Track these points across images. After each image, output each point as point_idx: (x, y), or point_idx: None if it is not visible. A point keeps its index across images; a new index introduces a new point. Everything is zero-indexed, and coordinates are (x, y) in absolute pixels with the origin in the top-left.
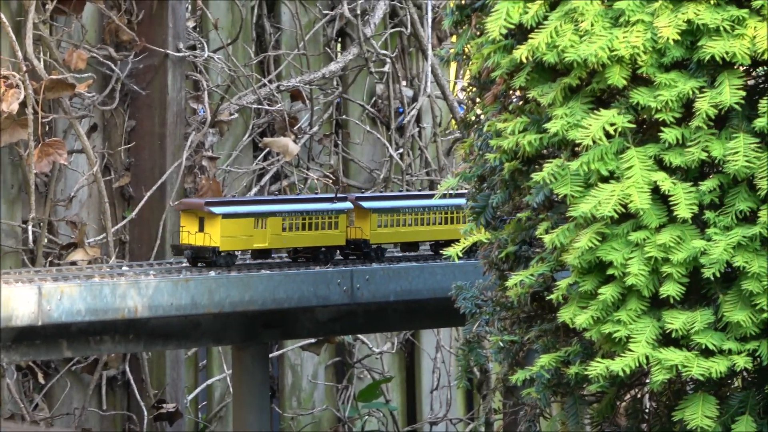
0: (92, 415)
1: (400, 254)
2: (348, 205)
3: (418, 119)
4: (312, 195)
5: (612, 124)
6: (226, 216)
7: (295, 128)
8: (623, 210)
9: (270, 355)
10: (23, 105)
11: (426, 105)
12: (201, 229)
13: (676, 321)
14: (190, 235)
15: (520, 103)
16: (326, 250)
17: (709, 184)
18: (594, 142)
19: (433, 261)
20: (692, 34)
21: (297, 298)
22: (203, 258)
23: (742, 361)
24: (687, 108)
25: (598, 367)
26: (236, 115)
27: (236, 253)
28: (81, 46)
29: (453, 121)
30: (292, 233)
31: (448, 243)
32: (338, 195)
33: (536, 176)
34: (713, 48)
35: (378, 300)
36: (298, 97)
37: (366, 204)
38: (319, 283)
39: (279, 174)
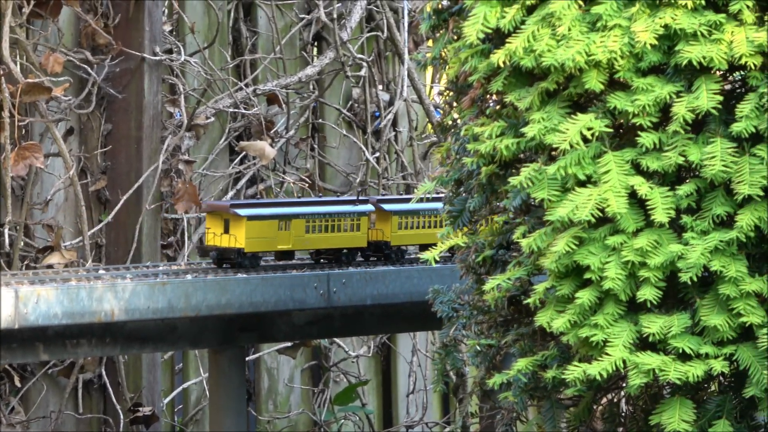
0: (68, 419)
1: (415, 256)
2: (369, 207)
3: (395, 123)
4: (334, 198)
5: (589, 129)
6: (251, 218)
7: (272, 132)
8: (600, 214)
9: (246, 359)
10: None
11: (402, 109)
12: (226, 230)
13: (653, 325)
14: (215, 236)
15: (498, 107)
16: (348, 251)
17: (686, 188)
18: (571, 146)
19: (410, 265)
20: (669, 38)
21: (274, 302)
22: (228, 259)
23: (719, 366)
24: (664, 112)
25: (575, 371)
26: (213, 118)
27: (260, 254)
28: (57, 49)
29: (429, 125)
30: (315, 235)
31: None
32: (360, 198)
33: (513, 180)
34: (690, 53)
35: (355, 304)
36: (275, 101)
37: (387, 206)
38: (295, 287)
39: (255, 178)
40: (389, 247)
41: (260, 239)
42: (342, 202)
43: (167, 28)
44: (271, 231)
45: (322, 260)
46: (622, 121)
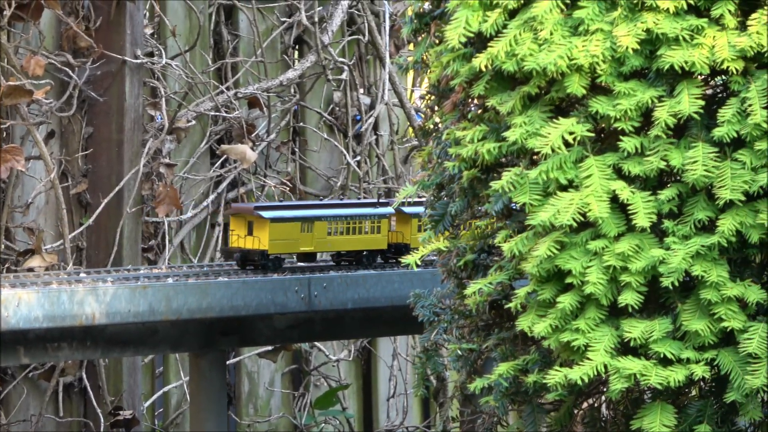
0: (49, 422)
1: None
2: (390, 210)
3: (376, 127)
4: (356, 200)
5: (571, 133)
6: (274, 220)
7: (253, 135)
8: (582, 219)
9: (227, 363)
10: None
11: (383, 113)
12: (250, 232)
13: (635, 330)
14: (239, 238)
15: (479, 111)
16: (368, 253)
17: (667, 193)
18: (553, 150)
19: (391, 269)
20: (651, 43)
21: (255, 306)
22: (252, 261)
23: (700, 370)
24: (646, 117)
25: (556, 376)
26: (194, 122)
27: (283, 256)
28: (39, 52)
29: (410, 129)
30: (336, 237)
31: None
32: (381, 200)
33: (495, 185)
34: (672, 57)
35: (335, 308)
36: (256, 105)
37: (407, 209)
38: (276, 291)
39: (236, 181)
40: (409, 249)
41: (283, 241)
42: (363, 205)
43: (148, 31)
44: (294, 233)
45: (343, 262)
46: (603, 125)
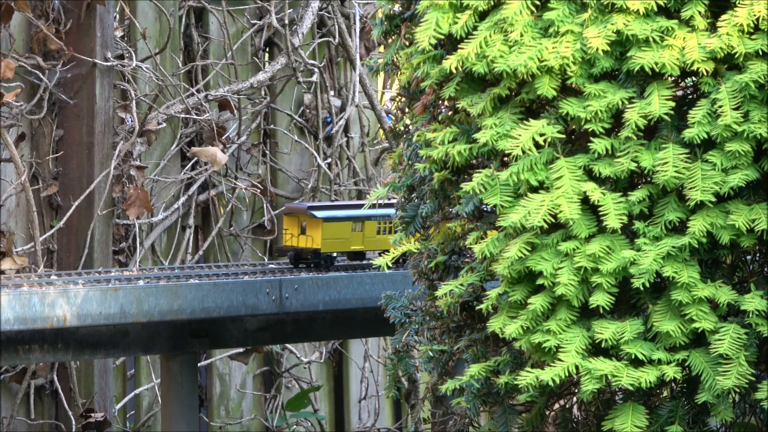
0: (20, 424)
1: None
2: None
3: (346, 129)
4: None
5: (541, 135)
6: (327, 220)
7: (223, 138)
8: (553, 220)
9: (198, 365)
10: None
11: (354, 115)
12: (303, 232)
13: (606, 331)
14: (292, 237)
15: (450, 113)
16: None
17: (638, 194)
18: (523, 152)
19: (362, 271)
20: (621, 44)
21: (226, 307)
22: (304, 259)
23: (671, 371)
24: (616, 118)
25: (527, 377)
26: (164, 124)
27: (335, 254)
28: (9, 55)
29: (381, 131)
30: (385, 236)
31: None
32: None
33: (466, 186)
34: (642, 59)
35: (307, 309)
36: (226, 107)
37: None
38: (248, 293)
39: (207, 183)
40: None
41: (335, 240)
42: None
43: (119, 33)
44: (345, 232)
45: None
46: (574, 127)
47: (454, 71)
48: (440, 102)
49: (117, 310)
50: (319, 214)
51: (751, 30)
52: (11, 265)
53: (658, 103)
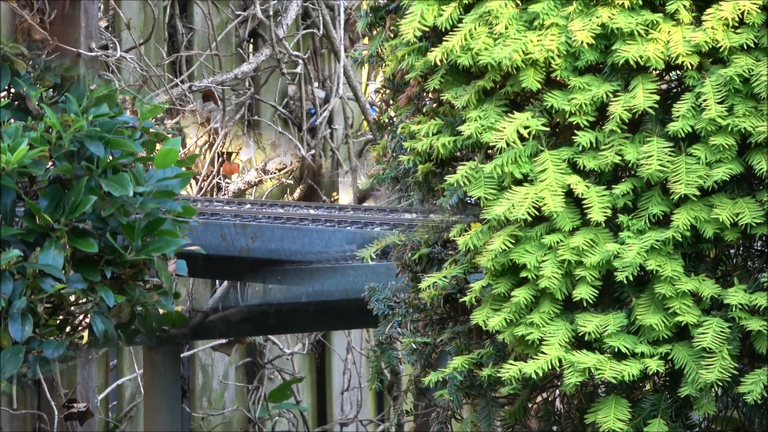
0: (3, 415)
1: None
2: None
3: (330, 120)
4: None
5: (526, 127)
6: None
7: (208, 128)
8: (537, 213)
9: (181, 356)
10: None
11: (338, 106)
12: None
13: (589, 324)
14: None
15: (434, 105)
16: None
17: (622, 187)
18: (508, 144)
19: (345, 262)
20: (606, 38)
21: None
22: None
23: (654, 365)
24: (601, 112)
25: (510, 370)
26: None
27: None
28: None
29: (365, 123)
30: None
31: None
32: None
33: (450, 178)
34: (627, 52)
35: (290, 301)
36: (211, 98)
37: None
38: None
39: None
40: None
41: None
42: None
43: (103, 24)
44: None
45: None
46: (559, 119)
47: (438, 63)
48: (425, 94)
49: None
50: None
51: (736, 24)
52: None
53: (642, 96)
